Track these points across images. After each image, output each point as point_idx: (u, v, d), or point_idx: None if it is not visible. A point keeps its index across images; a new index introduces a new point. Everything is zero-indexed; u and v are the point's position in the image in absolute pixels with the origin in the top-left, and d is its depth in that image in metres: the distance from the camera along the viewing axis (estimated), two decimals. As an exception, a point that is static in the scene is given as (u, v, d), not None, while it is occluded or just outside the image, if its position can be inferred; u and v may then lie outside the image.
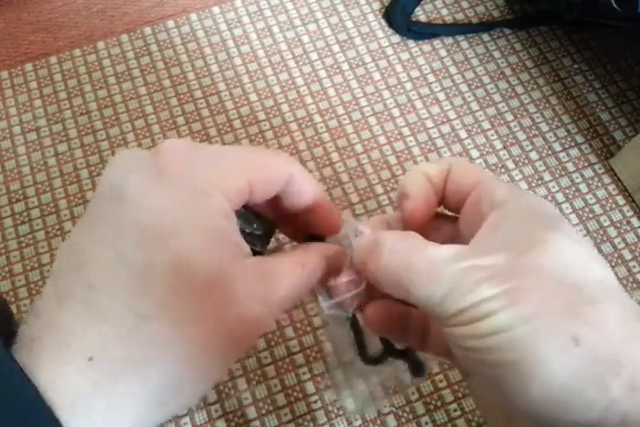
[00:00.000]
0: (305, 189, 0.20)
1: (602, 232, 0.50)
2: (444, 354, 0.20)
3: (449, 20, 0.60)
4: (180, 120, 0.55)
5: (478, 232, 0.17)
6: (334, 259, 0.20)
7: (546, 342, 0.14)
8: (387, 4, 0.60)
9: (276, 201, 0.21)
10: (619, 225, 0.50)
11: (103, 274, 0.15)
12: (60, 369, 0.14)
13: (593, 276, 0.16)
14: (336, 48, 0.59)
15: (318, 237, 0.22)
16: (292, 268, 0.19)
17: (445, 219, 0.22)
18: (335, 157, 0.53)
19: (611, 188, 0.52)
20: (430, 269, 0.16)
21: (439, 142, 0.54)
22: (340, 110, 0.56)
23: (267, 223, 0.20)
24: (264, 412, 0.44)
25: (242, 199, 0.18)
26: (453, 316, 0.15)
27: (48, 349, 0.15)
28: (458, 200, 0.20)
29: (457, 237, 0.21)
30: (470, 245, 0.17)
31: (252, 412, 0.44)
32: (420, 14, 0.61)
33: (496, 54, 0.58)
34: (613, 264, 0.49)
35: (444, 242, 0.17)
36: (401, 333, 0.21)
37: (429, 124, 0.55)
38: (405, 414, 0.44)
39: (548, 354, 0.14)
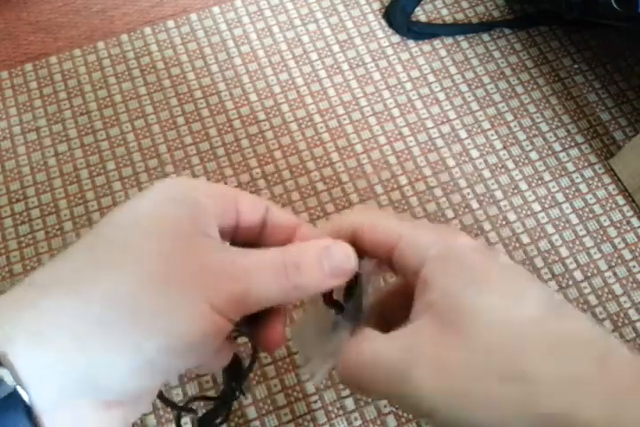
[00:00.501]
0: (282, 219, 0.20)
1: (602, 232, 0.50)
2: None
3: (449, 20, 0.60)
4: (180, 120, 0.55)
5: (413, 305, 0.18)
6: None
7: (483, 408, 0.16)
8: (387, 4, 0.60)
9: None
10: (619, 225, 0.50)
11: (80, 244, 0.17)
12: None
13: (511, 321, 0.17)
14: (336, 48, 0.59)
15: None
16: (268, 253, 0.18)
17: None
18: (335, 156, 0.53)
19: (611, 188, 0.52)
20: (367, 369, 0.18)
21: (439, 142, 0.54)
22: (340, 110, 0.56)
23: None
24: (264, 412, 0.44)
25: (227, 212, 0.19)
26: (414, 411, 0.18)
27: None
28: (380, 257, 0.20)
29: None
30: (402, 330, 0.18)
31: (252, 412, 0.44)
32: (420, 14, 0.61)
33: (496, 54, 0.58)
34: (613, 264, 0.49)
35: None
36: None
37: (429, 124, 0.55)
38: (405, 414, 0.44)
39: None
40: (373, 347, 0.18)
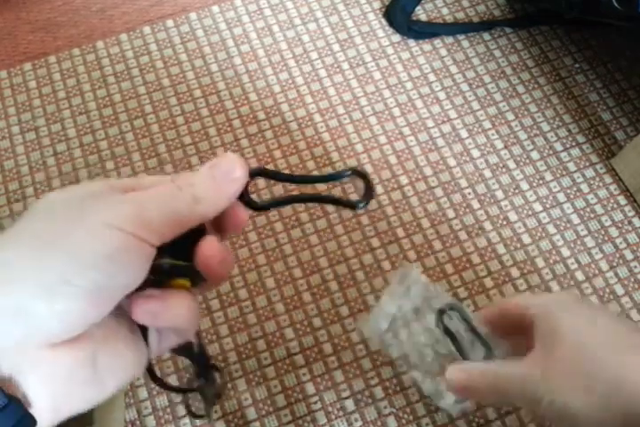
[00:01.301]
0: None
1: (603, 232, 0.50)
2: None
3: (449, 19, 0.60)
4: (180, 119, 0.55)
5: (533, 352, 0.26)
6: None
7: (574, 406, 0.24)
8: (387, 4, 0.60)
9: None
10: (620, 225, 0.50)
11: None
12: None
13: (626, 368, 0.24)
14: (336, 47, 0.58)
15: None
16: (162, 187, 0.19)
17: None
18: (335, 156, 0.53)
19: (612, 187, 0.52)
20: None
21: (440, 142, 0.54)
22: (341, 110, 0.55)
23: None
24: (264, 413, 0.44)
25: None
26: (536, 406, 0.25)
27: None
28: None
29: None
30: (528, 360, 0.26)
31: (251, 413, 0.44)
32: (421, 13, 0.60)
33: (497, 53, 0.58)
34: (615, 264, 0.49)
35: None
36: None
37: (430, 123, 0.55)
38: (406, 416, 0.44)
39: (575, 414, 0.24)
40: (518, 374, 0.26)
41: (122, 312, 0.20)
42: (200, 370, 0.26)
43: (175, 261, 0.20)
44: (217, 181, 0.20)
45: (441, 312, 0.30)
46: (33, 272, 0.17)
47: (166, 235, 0.19)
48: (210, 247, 0.20)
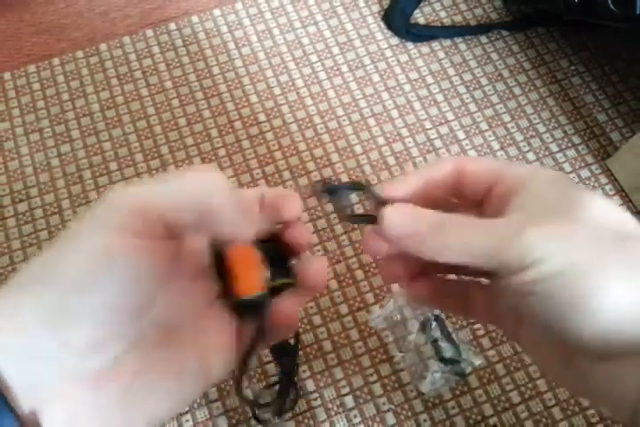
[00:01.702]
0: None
1: (598, 232, 0.51)
2: (486, 319, 0.22)
3: (447, 22, 0.61)
4: (182, 121, 0.56)
5: (512, 202, 0.19)
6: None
7: (602, 274, 0.16)
8: (386, 7, 0.61)
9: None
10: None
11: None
12: None
13: (629, 225, 0.17)
14: (336, 50, 0.59)
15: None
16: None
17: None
18: (335, 157, 0.54)
19: (607, 188, 0.53)
20: (487, 231, 0.18)
21: (437, 143, 0.55)
22: (340, 112, 0.56)
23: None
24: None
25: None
26: (514, 263, 0.16)
27: None
28: (477, 193, 0.21)
29: None
30: (512, 213, 0.18)
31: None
32: (419, 17, 0.61)
33: (494, 56, 0.59)
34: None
35: None
36: (444, 304, 0.23)
37: (428, 125, 0.56)
38: (404, 412, 0.44)
39: (607, 285, 0.16)
40: (480, 219, 0.18)
41: (164, 339, 0.18)
42: (286, 376, 0.25)
43: (282, 281, 0.20)
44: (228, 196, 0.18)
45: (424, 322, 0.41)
46: (30, 305, 0.15)
47: (172, 220, 0.17)
48: (321, 271, 0.20)
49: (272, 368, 0.46)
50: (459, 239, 0.18)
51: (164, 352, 0.18)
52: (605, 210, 0.17)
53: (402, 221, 0.19)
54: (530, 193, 0.18)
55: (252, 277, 0.19)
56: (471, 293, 0.22)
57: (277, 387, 0.38)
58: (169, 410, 0.18)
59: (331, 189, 0.22)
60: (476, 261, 0.17)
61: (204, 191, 0.17)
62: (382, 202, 0.20)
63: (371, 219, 0.21)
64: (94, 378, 0.16)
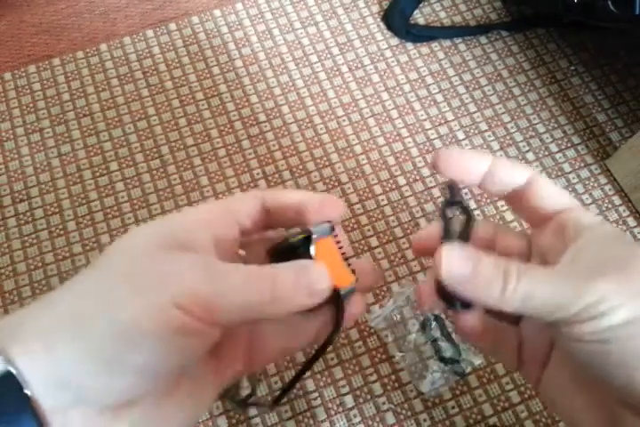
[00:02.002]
0: (285, 194, 0.21)
1: (598, 232, 0.51)
2: (533, 369, 0.22)
3: (447, 22, 0.61)
4: (182, 121, 0.56)
5: (568, 252, 0.19)
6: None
7: None
8: (385, 8, 0.61)
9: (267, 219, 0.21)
10: (615, 225, 0.51)
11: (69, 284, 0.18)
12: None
13: None
14: (335, 50, 0.59)
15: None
16: (243, 273, 0.18)
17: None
18: (335, 157, 0.54)
19: (607, 188, 0.53)
20: (552, 280, 0.18)
21: (437, 143, 0.55)
22: (340, 112, 0.56)
23: None
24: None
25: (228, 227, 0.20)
26: (576, 315, 0.17)
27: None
28: (537, 217, 0.21)
29: (524, 255, 0.22)
30: (574, 260, 0.18)
31: (253, 409, 0.45)
32: (419, 17, 0.61)
33: (493, 56, 0.59)
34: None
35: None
36: (494, 348, 0.23)
37: (427, 125, 0.56)
38: (404, 411, 0.44)
39: None
40: (544, 269, 0.18)
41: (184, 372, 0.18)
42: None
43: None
44: (299, 290, 0.18)
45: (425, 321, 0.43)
46: (78, 344, 0.16)
47: (227, 322, 0.17)
48: (375, 271, 0.22)
49: (271, 367, 0.46)
50: (525, 287, 0.17)
51: (177, 386, 0.18)
52: None
53: (463, 262, 0.18)
54: (589, 243, 0.18)
55: (344, 271, 0.21)
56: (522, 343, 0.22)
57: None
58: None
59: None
60: (541, 310, 0.17)
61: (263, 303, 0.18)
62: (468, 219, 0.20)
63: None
64: (114, 410, 0.17)
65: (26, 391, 0.15)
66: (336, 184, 0.53)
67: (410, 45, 0.59)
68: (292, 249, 0.20)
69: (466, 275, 0.18)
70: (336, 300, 0.20)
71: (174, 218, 0.20)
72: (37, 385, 0.15)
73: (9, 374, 0.15)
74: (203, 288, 0.17)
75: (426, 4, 0.62)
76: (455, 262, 0.18)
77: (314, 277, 0.19)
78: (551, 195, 0.21)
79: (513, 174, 0.21)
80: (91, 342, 0.16)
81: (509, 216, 0.52)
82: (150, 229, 0.19)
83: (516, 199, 0.21)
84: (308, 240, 0.20)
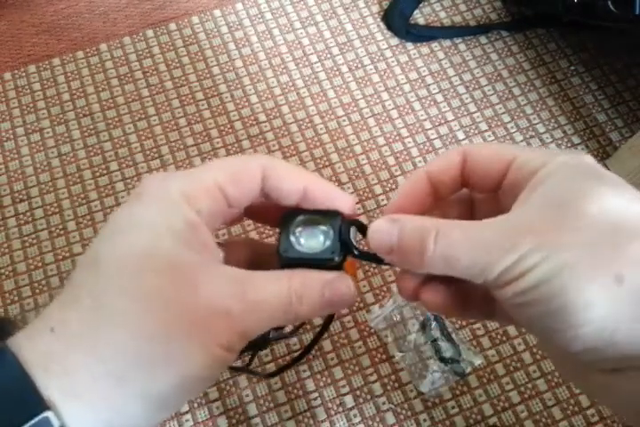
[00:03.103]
0: (286, 178, 0.20)
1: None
2: (509, 320, 0.20)
3: (447, 22, 0.61)
4: (182, 121, 0.56)
5: (519, 198, 0.18)
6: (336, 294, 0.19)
7: (586, 286, 0.15)
8: (385, 8, 0.61)
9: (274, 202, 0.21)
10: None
11: (79, 270, 0.18)
12: (28, 335, 0.17)
13: (633, 212, 0.16)
14: (335, 50, 0.59)
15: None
16: (275, 285, 0.18)
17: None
18: (335, 157, 0.54)
19: (607, 188, 0.53)
20: (470, 243, 0.17)
21: (437, 143, 0.55)
22: (340, 112, 0.56)
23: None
24: (264, 409, 0.45)
25: (215, 201, 0.19)
26: (498, 278, 0.16)
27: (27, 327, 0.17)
28: (488, 183, 0.20)
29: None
30: (510, 212, 0.17)
31: (252, 409, 0.45)
32: (419, 17, 0.61)
33: (493, 56, 0.59)
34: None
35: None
36: (462, 309, 0.21)
37: (427, 125, 0.56)
38: (404, 411, 0.44)
39: (591, 297, 0.15)
40: (467, 225, 0.17)
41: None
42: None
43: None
44: (323, 303, 0.19)
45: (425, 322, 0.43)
46: (136, 390, 0.16)
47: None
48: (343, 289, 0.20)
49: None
50: (442, 249, 0.17)
51: None
52: (619, 206, 0.15)
53: (384, 234, 0.18)
54: (536, 188, 0.17)
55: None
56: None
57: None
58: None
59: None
60: (464, 274, 0.17)
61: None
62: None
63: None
64: None
65: None
66: (336, 184, 0.53)
67: (410, 45, 0.59)
68: (313, 223, 0.20)
69: (393, 244, 0.18)
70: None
71: (182, 210, 0.18)
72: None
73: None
74: (240, 326, 0.17)
75: (426, 3, 0.62)
76: (377, 232, 0.18)
77: (340, 291, 0.19)
78: (490, 155, 0.19)
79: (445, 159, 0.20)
80: (151, 394, 0.16)
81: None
82: (169, 241, 0.18)
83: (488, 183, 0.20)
84: (332, 216, 0.20)
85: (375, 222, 0.19)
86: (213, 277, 0.18)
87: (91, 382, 0.16)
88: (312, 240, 0.20)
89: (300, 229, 0.20)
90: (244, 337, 0.18)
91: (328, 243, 0.19)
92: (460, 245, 0.16)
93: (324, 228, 0.20)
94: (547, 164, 0.17)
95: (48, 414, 0.15)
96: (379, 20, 0.61)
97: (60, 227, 0.51)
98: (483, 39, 0.60)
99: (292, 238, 0.20)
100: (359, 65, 0.59)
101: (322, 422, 0.44)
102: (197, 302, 0.17)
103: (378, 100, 0.57)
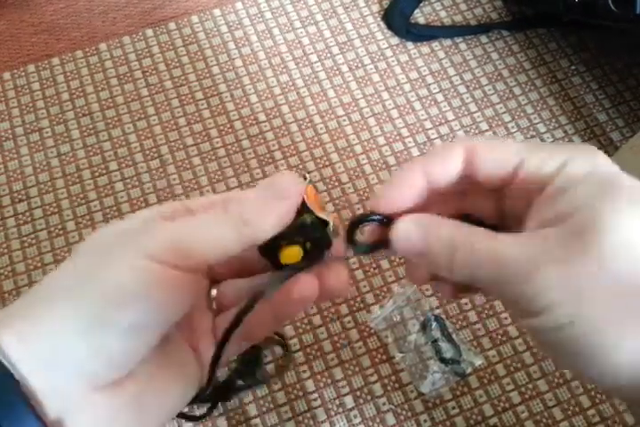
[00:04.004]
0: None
1: (599, 232, 0.51)
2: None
3: (447, 22, 0.61)
4: (182, 121, 0.56)
5: (533, 211, 0.17)
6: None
7: (610, 331, 0.15)
8: (386, 7, 0.61)
9: None
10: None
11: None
12: None
13: None
14: (335, 50, 0.59)
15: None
16: (208, 210, 0.19)
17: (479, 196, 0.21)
18: (335, 157, 0.54)
19: (608, 188, 0.53)
20: (496, 265, 0.16)
21: (438, 143, 0.55)
22: (340, 111, 0.56)
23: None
24: (264, 410, 0.44)
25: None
26: (522, 308, 0.16)
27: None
28: (492, 184, 0.19)
29: (501, 213, 0.20)
30: (531, 233, 0.16)
31: (252, 410, 0.44)
32: (419, 16, 0.61)
33: (494, 56, 0.59)
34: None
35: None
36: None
37: (428, 125, 0.56)
38: (404, 412, 0.44)
39: (612, 343, 0.15)
40: (493, 245, 0.16)
41: (170, 343, 0.19)
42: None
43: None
44: (267, 200, 0.18)
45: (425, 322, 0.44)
46: (66, 313, 0.16)
47: (213, 261, 0.17)
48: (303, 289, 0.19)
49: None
50: (470, 272, 0.17)
51: (166, 358, 0.19)
52: (627, 237, 0.15)
53: (412, 240, 0.18)
54: (554, 205, 0.16)
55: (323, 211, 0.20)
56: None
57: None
58: (177, 408, 0.19)
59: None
60: (488, 289, 0.17)
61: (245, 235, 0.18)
62: (387, 219, 0.19)
63: (384, 245, 0.19)
64: (110, 385, 0.17)
65: (13, 374, 0.15)
66: (336, 184, 0.53)
67: (410, 45, 0.59)
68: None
69: (421, 251, 0.18)
70: (317, 229, 0.19)
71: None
72: (26, 366, 0.15)
73: None
74: (170, 234, 0.17)
75: (426, 3, 0.62)
76: (403, 236, 0.18)
77: (278, 186, 0.18)
78: (499, 155, 0.18)
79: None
80: (79, 308, 0.16)
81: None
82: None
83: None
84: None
85: (402, 225, 0.18)
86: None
87: (25, 313, 0.16)
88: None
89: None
90: (178, 248, 0.17)
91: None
92: (487, 265, 0.16)
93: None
94: (560, 172, 0.17)
95: None
96: (379, 19, 0.61)
97: (60, 227, 0.51)
98: (483, 38, 0.60)
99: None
100: (359, 64, 0.58)
101: (322, 422, 0.44)
102: (133, 225, 0.18)
103: (378, 100, 0.57)
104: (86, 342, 0.16)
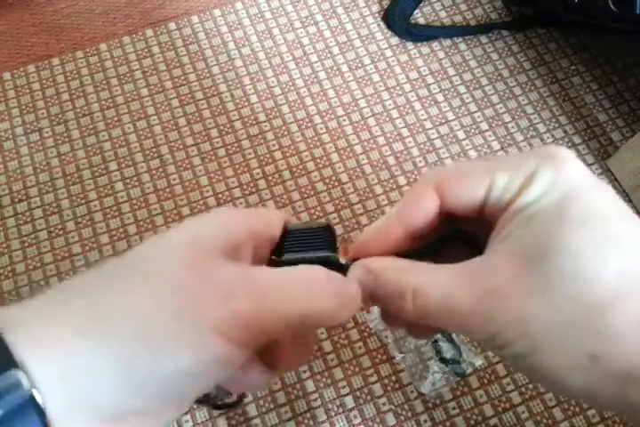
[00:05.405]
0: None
1: (599, 232, 0.51)
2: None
3: (447, 22, 0.61)
4: (182, 121, 0.56)
5: (492, 238, 0.17)
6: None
7: (559, 364, 0.15)
8: (386, 7, 0.61)
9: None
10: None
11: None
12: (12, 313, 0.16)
13: (605, 272, 0.15)
14: (336, 50, 0.59)
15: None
16: (297, 277, 0.17)
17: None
18: (335, 157, 0.54)
19: (608, 188, 0.53)
20: (444, 305, 0.17)
21: (437, 143, 0.55)
22: (340, 111, 0.56)
23: None
24: (264, 410, 0.44)
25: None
26: (487, 344, 0.17)
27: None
28: (470, 213, 0.19)
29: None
30: (486, 262, 0.17)
31: (252, 410, 0.44)
32: (419, 17, 0.61)
33: (494, 56, 0.59)
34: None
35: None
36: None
37: (428, 125, 0.55)
38: (404, 412, 0.44)
39: (565, 373, 0.15)
40: (443, 288, 0.17)
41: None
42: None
43: None
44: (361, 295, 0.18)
45: None
46: (116, 366, 0.14)
47: (270, 339, 0.16)
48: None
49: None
50: (420, 314, 0.17)
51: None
52: (592, 268, 0.15)
53: (362, 285, 0.18)
54: (511, 233, 0.16)
55: None
56: None
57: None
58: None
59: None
60: (445, 327, 0.17)
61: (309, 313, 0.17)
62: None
63: None
64: (113, 421, 0.16)
65: (34, 394, 0.14)
66: (336, 184, 0.53)
67: (410, 45, 0.59)
68: (310, 237, 0.20)
69: (372, 295, 0.18)
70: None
71: (215, 219, 0.18)
72: (48, 388, 0.14)
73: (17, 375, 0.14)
74: (250, 305, 0.15)
75: (426, 3, 0.62)
76: (359, 287, 0.18)
77: (352, 293, 0.18)
78: (466, 189, 0.18)
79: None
80: (118, 355, 0.15)
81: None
82: (193, 230, 0.17)
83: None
84: (326, 231, 0.20)
85: (352, 272, 0.19)
86: (226, 262, 0.16)
87: (67, 344, 0.15)
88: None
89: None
90: (250, 325, 0.15)
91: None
92: (435, 308, 0.17)
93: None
94: (522, 192, 0.17)
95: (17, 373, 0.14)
96: (379, 19, 0.61)
97: (60, 227, 0.51)
98: (483, 39, 0.60)
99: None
100: (359, 64, 0.58)
101: (322, 422, 0.44)
102: (204, 277, 0.16)
103: (378, 100, 0.57)
104: (113, 393, 0.15)
